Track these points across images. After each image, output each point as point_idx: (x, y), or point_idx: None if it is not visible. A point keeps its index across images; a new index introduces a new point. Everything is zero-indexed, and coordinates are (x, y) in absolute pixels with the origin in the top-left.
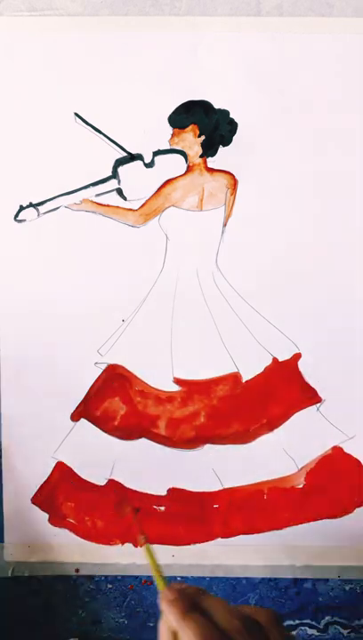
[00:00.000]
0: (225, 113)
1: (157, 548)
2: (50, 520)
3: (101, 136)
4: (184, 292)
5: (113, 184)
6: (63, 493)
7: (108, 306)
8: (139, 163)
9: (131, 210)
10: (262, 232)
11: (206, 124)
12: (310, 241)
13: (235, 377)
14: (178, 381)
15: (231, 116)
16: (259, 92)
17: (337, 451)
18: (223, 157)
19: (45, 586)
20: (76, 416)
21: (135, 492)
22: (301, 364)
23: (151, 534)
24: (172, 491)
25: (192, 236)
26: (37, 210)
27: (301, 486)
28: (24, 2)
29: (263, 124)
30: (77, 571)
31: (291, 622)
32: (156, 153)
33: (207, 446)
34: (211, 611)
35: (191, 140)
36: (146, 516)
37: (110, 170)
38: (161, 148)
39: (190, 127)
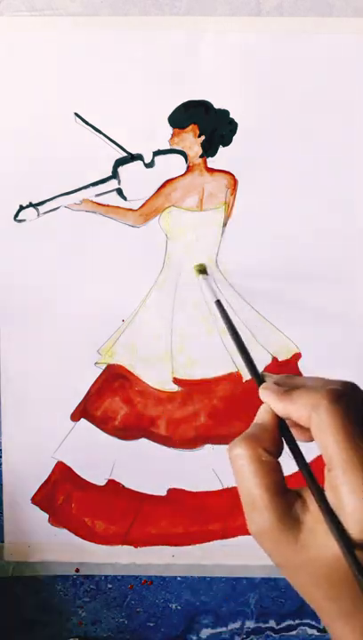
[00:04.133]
0: (225, 113)
1: (157, 548)
2: (50, 520)
3: (101, 136)
4: (184, 292)
5: (113, 184)
6: (63, 493)
7: (109, 306)
8: (139, 163)
9: (131, 210)
10: (262, 232)
11: (206, 123)
12: (311, 241)
13: (235, 377)
14: (178, 381)
15: (231, 116)
16: (259, 91)
17: None
18: (223, 157)
19: (45, 586)
20: (76, 416)
21: (135, 492)
22: (301, 364)
23: (151, 534)
24: (172, 491)
25: (192, 236)
26: (37, 210)
27: (301, 486)
28: (24, 2)
29: (263, 124)
30: (77, 571)
31: (291, 622)
32: (156, 153)
33: (207, 446)
34: None
35: (191, 140)
36: (146, 516)
37: (110, 170)
38: (161, 148)
39: (190, 127)
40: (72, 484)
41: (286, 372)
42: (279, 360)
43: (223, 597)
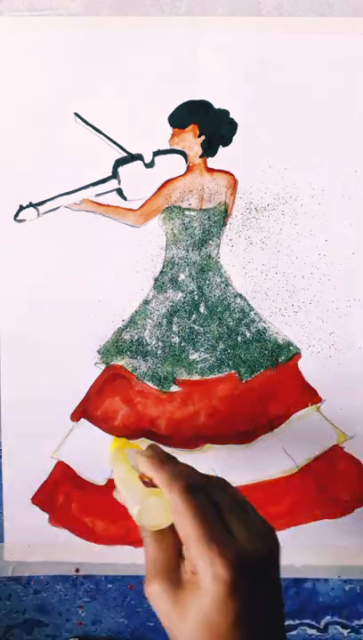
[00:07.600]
0: (225, 113)
1: None
2: (50, 520)
3: (101, 136)
4: (184, 292)
5: (113, 184)
6: (63, 493)
7: (109, 306)
8: (139, 163)
9: (131, 210)
10: (262, 232)
11: (206, 124)
12: (311, 240)
13: (234, 377)
14: (178, 381)
15: (231, 116)
16: (259, 91)
17: (337, 450)
18: (223, 157)
19: (45, 586)
20: (76, 416)
21: None
22: (301, 364)
23: None
24: None
25: (192, 235)
26: (37, 210)
27: (300, 486)
28: (24, 2)
29: (263, 123)
30: (77, 571)
31: (291, 622)
32: (156, 153)
33: (207, 446)
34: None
35: (191, 140)
36: None
37: (110, 170)
38: (161, 148)
39: (190, 127)
40: (72, 484)
41: (286, 372)
42: (279, 361)
43: None
